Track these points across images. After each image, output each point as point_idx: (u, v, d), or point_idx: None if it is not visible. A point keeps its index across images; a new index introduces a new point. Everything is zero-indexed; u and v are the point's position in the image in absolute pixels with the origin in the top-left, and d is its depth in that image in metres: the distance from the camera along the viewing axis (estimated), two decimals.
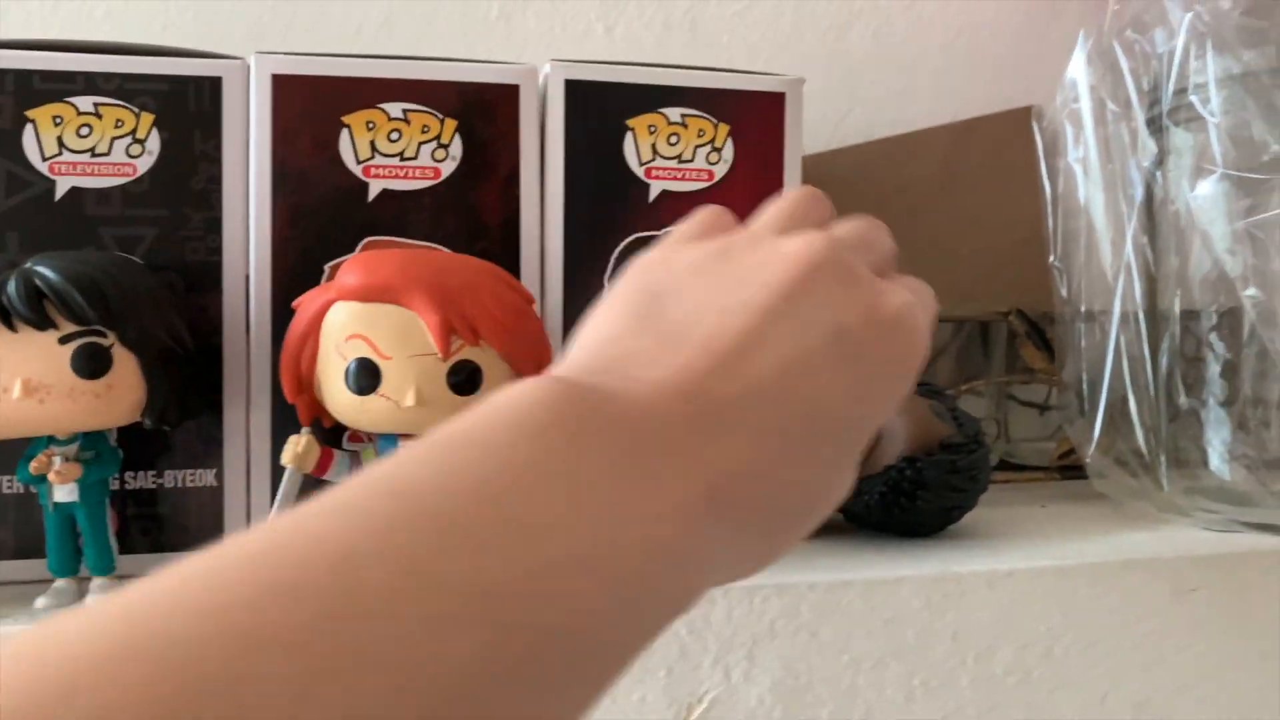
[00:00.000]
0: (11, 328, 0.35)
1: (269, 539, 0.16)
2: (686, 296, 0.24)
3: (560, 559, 0.18)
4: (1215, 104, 0.47)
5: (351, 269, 0.37)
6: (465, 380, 0.37)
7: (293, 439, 0.37)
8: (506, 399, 0.20)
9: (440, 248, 0.43)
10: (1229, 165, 0.47)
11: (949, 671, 0.39)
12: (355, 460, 0.39)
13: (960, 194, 0.66)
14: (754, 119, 0.47)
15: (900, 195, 0.66)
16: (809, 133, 0.71)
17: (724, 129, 0.46)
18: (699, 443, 0.21)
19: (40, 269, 0.35)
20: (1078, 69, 0.52)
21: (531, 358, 0.39)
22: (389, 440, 0.38)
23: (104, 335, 0.35)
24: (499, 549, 0.17)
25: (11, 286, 0.34)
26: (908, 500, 0.43)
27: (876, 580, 0.38)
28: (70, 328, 0.35)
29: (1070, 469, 0.60)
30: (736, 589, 0.37)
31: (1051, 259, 0.53)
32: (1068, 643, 0.40)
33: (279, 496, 0.37)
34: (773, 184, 0.47)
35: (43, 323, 0.35)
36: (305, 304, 0.38)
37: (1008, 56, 0.70)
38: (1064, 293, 0.54)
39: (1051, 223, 0.54)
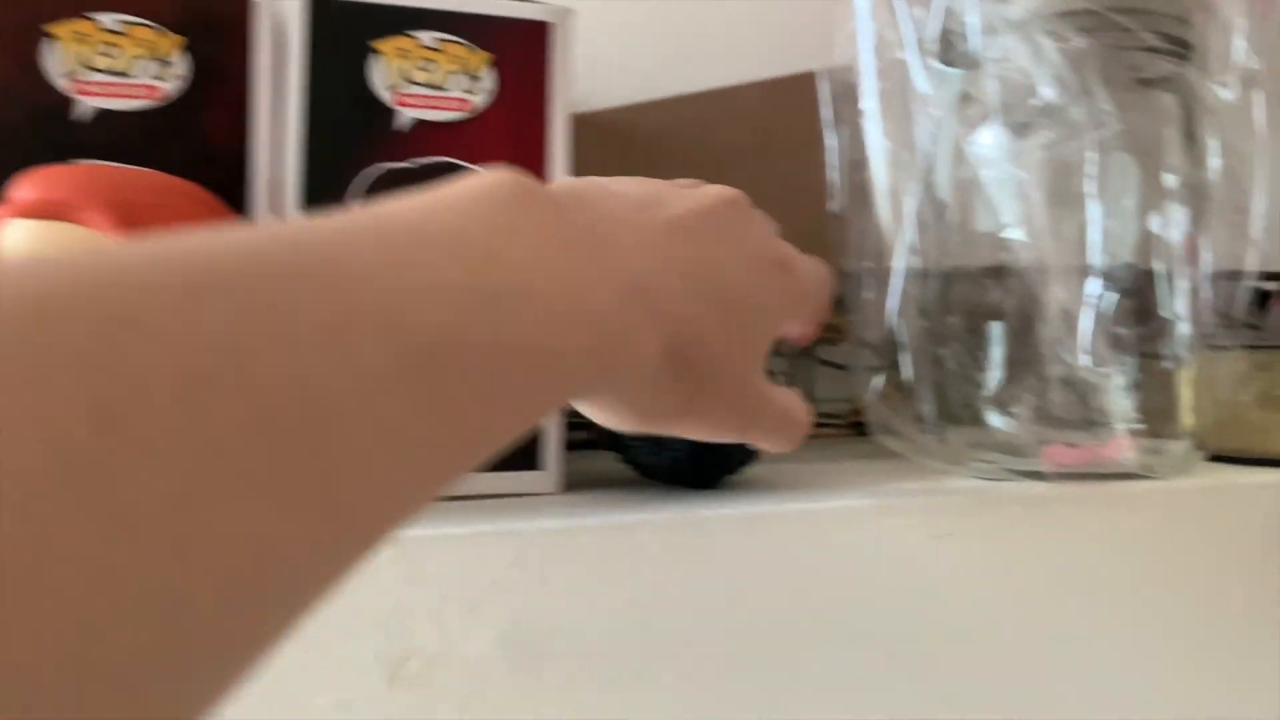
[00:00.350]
0: None
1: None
2: (618, 200, 0.28)
3: (507, 288, 0.20)
4: (989, 50, 0.46)
5: (24, 183, 0.34)
6: None
7: None
8: (468, 179, 0.23)
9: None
10: (1002, 112, 0.47)
11: (697, 619, 0.37)
12: None
13: (773, 154, 0.65)
14: (518, 49, 0.44)
15: (712, 154, 0.65)
16: (616, 85, 0.69)
17: (483, 57, 0.43)
18: (639, 256, 0.26)
19: None
20: (863, 16, 0.51)
21: None
22: None
23: None
24: (442, 266, 0.19)
25: None
26: (710, 453, 0.42)
27: (612, 525, 0.36)
28: None
29: (865, 426, 0.59)
30: (456, 536, 0.35)
31: (834, 210, 0.52)
32: (821, 586, 0.39)
33: None
34: (537, 120, 0.44)
35: None
36: None
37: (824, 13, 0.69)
38: (850, 246, 0.52)
39: (839, 175, 0.52)
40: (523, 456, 0.43)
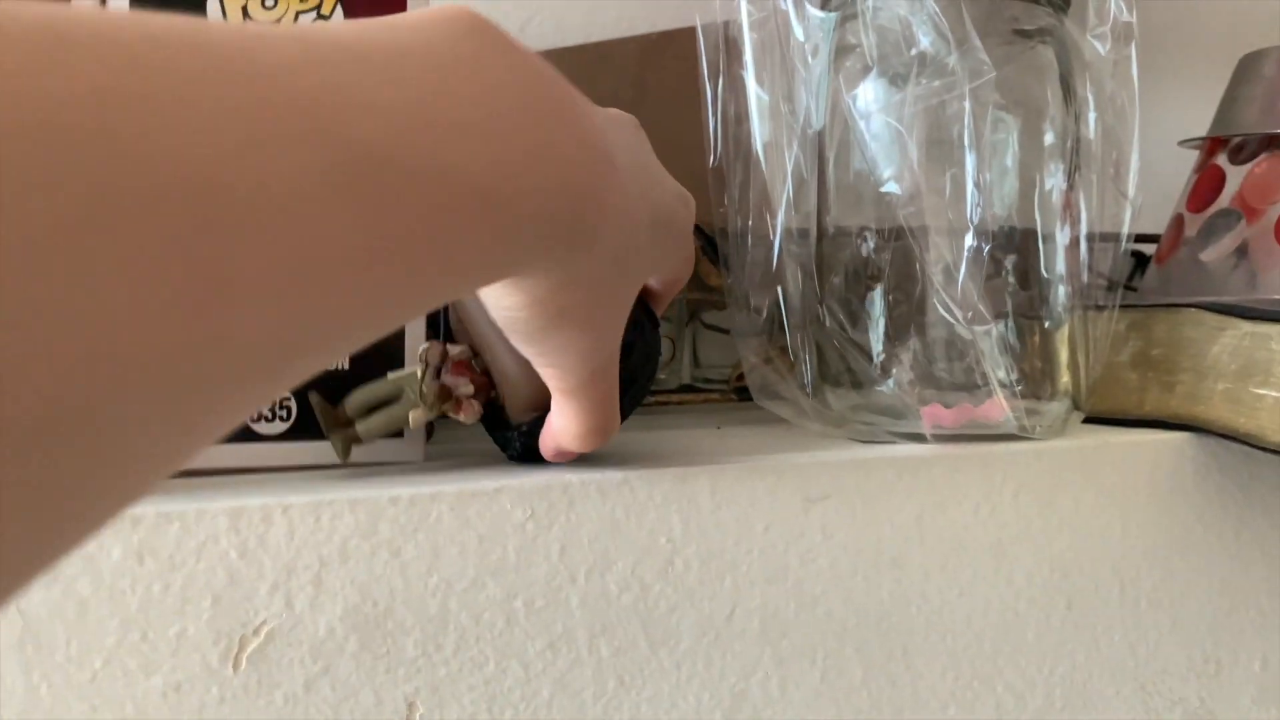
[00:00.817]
0: None
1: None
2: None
3: (455, 119, 0.18)
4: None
5: None
6: None
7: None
8: (420, 10, 0.21)
9: None
10: (880, 62, 0.46)
11: (555, 590, 0.36)
12: None
13: (651, 109, 0.63)
14: None
15: None
16: None
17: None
18: (604, 123, 0.24)
19: None
20: None
21: None
22: None
23: None
24: (377, 86, 0.17)
25: None
26: None
27: (471, 491, 0.34)
28: None
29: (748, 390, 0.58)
30: (298, 505, 0.32)
31: (711, 164, 0.50)
32: (689, 555, 0.38)
33: None
34: None
35: None
36: None
37: None
38: (729, 204, 0.51)
39: (714, 130, 0.51)
40: None
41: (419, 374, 0.37)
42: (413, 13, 0.20)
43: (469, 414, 0.38)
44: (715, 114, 0.51)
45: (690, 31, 0.66)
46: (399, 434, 0.40)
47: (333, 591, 0.33)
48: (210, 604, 0.31)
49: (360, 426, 0.37)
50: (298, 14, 0.40)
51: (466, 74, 0.19)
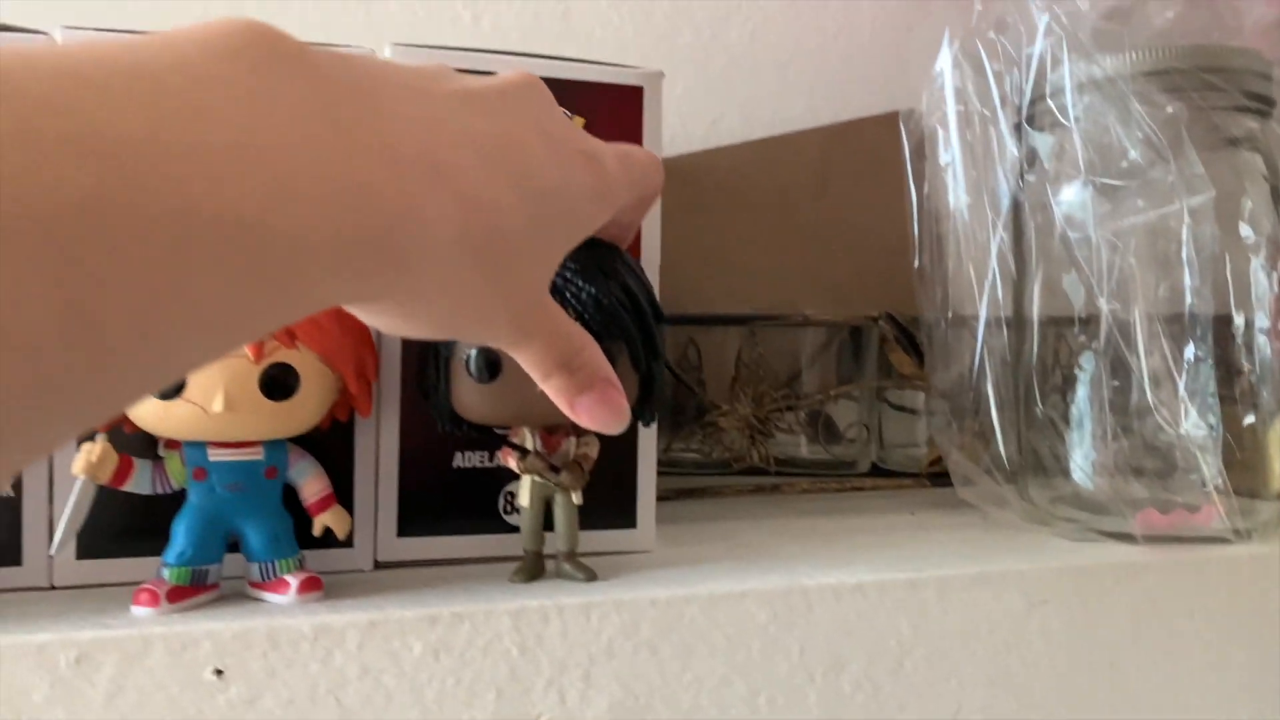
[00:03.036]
0: None
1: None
2: (397, 69, 0.24)
3: (211, 148, 0.17)
4: (1075, 109, 0.47)
5: None
6: (279, 384, 0.34)
7: (86, 446, 0.34)
8: (198, 26, 0.19)
9: None
10: (1089, 171, 0.47)
11: (795, 688, 0.38)
12: (159, 469, 0.36)
13: (834, 198, 0.65)
14: (610, 112, 0.45)
15: (774, 198, 0.65)
16: (684, 131, 0.70)
17: (578, 122, 0.44)
18: (424, 127, 0.22)
19: None
20: (944, 70, 0.51)
21: (352, 360, 0.36)
22: (196, 448, 0.35)
23: None
24: (112, 113, 0.16)
25: None
26: None
27: (720, 594, 0.37)
28: None
29: (941, 476, 0.59)
30: (571, 606, 0.35)
31: (916, 263, 0.52)
32: (917, 657, 0.39)
33: (68, 508, 0.34)
34: None
35: None
36: None
37: (885, 58, 0.70)
38: (931, 298, 0.53)
39: (918, 227, 0.53)
40: (618, 515, 0.44)
41: (534, 466, 0.38)
42: (185, 30, 0.18)
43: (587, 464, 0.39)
44: (918, 210, 0.52)
45: (872, 121, 0.68)
46: (631, 525, 0.43)
47: (600, 686, 0.36)
48: (494, 697, 0.35)
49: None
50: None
51: (240, 97, 0.17)
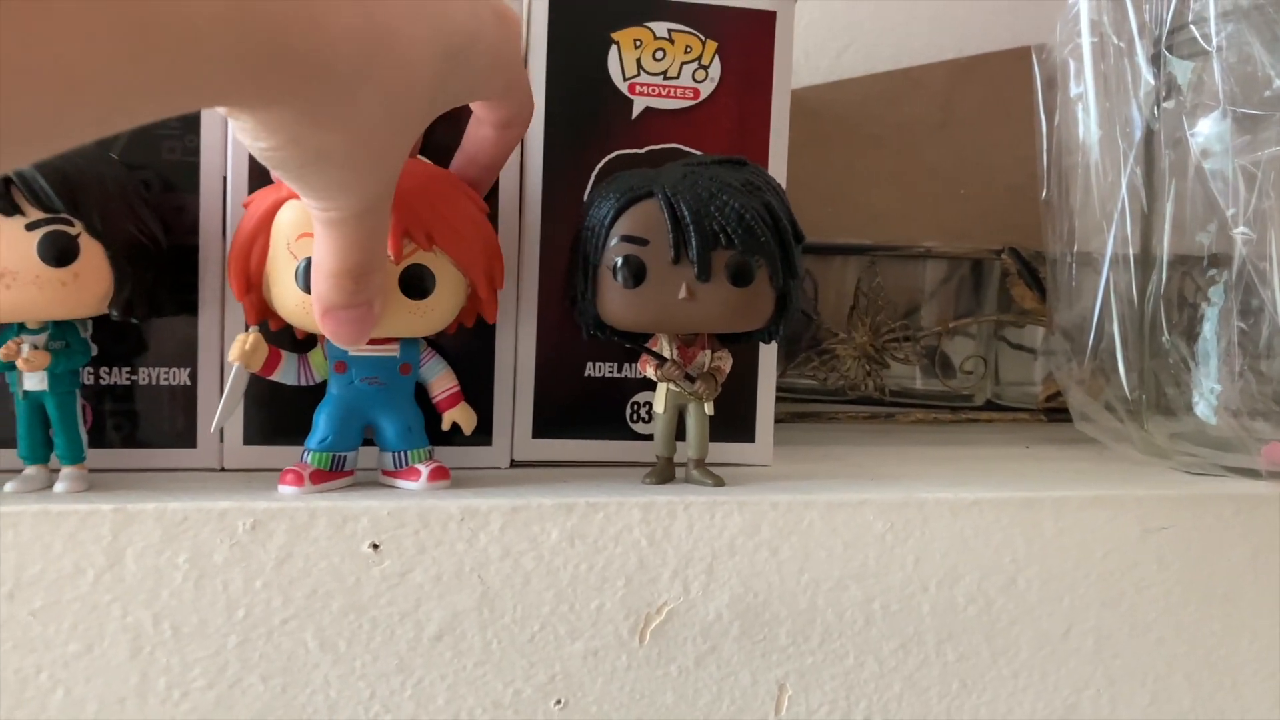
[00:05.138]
0: None
1: None
2: None
3: None
4: (1217, 37, 0.46)
5: None
6: (416, 283, 0.37)
7: (240, 336, 0.37)
8: None
9: None
10: (1229, 101, 0.46)
11: (909, 597, 0.39)
12: (304, 362, 0.39)
13: (958, 133, 0.65)
14: (743, 38, 0.46)
15: (898, 132, 0.65)
16: (808, 64, 0.70)
17: (711, 46, 0.45)
18: None
19: None
20: (1080, 1, 0.51)
21: (484, 265, 0.38)
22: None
23: (70, 224, 0.35)
24: None
25: None
26: None
27: (838, 502, 0.38)
28: (37, 214, 0.35)
29: (1056, 411, 0.59)
30: (697, 504, 0.37)
31: (1044, 195, 0.52)
32: (1030, 575, 0.40)
33: (225, 394, 0.37)
34: (760, 106, 0.46)
35: (9, 209, 0.34)
36: (256, 201, 0.37)
37: None
38: (1057, 232, 0.53)
39: (1046, 160, 0.53)
40: (737, 429, 0.45)
41: (671, 374, 0.40)
42: None
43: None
44: (1048, 144, 0.52)
45: (998, 56, 0.67)
46: (750, 439, 0.44)
47: (721, 581, 0.38)
48: (624, 584, 0.37)
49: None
50: (682, 64, 0.45)
51: None
